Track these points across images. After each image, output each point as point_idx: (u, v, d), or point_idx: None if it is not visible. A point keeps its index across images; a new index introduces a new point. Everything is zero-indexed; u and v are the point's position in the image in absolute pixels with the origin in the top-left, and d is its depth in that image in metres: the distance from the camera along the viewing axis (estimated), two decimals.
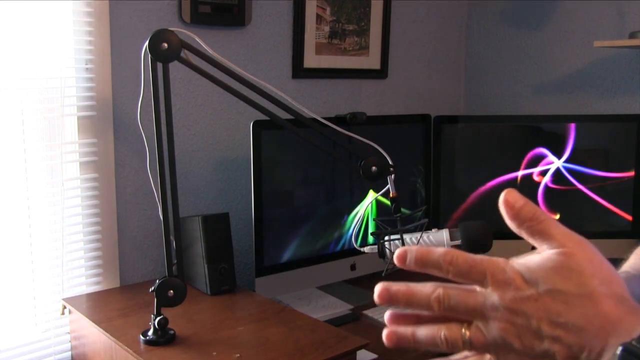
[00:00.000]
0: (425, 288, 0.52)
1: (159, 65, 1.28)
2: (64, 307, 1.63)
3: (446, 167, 2.08)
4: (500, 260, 0.51)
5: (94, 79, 1.64)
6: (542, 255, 0.51)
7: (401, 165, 2.01)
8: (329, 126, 1.41)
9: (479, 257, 0.52)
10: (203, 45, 1.31)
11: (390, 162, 1.38)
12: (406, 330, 0.54)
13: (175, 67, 1.30)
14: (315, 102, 2.13)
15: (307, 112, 1.39)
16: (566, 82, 2.31)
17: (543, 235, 0.52)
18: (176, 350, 1.34)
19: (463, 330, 0.51)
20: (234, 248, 1.74)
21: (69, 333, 1.65)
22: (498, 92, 2.51)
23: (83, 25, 1.61)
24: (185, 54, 1.30)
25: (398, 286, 0.52)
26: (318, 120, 1.41)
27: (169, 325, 1.39)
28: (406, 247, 0.53)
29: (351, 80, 2.24)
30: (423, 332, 0.53)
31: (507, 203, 0.54)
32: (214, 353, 1.32)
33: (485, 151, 2.06)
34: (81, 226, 1.68)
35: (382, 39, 2.28)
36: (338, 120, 1.71)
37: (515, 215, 0.54)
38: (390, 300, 0.52)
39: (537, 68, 2.39)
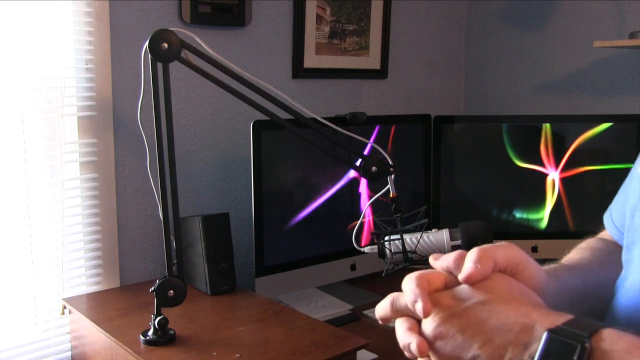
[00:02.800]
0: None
1: (159, 65, 1.28)
2: (64, 307, 1.63)
3: (446, 167, 2.08)
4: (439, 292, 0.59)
5: (94, 79, 1.64)
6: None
7: (401, 165, 2.01)
8: (329, 126, 1.41)
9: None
10: (203, 45, 1.31)
11: (390, 162, 1.38)
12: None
13: (175, 67, 1.30)
14: (315, 102, 2.13)
15: (307, 112, 1.39)
16: (566, 82, 2.31)
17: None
18: (176, 350, 1.34)
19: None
20: (234, 248, 1.74)
21: (69, 333, 1.65)
22: (498, 92, 2.51)
23: (83, 25, 1.61)
24: (185, 54, 1.30)
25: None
26: (318, 120, 1.41)
27: (169, 325, 1.39)
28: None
29: (351, 80, 2.24)
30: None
31: (434, 259, 0.64)
32: (214, 353, 1.32)
33: (485, 151, 2.06)
34: (81, 226, 1.68)
35: (382, 39, 2.28)
36: (338, 120, 1.71)
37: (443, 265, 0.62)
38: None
39: (537, 68, 2.39)
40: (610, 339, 0.48)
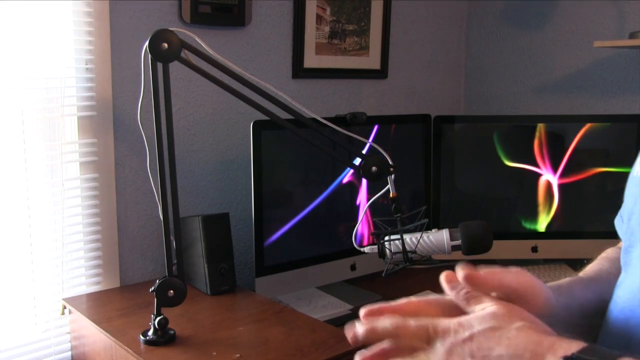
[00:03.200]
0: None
1: (159, 65, 1.28)
2: (64, 307, 1.63)
3: (446, 167, 2.08)
4: (443, 318, 0.58)
5: (94, 79, 1.65)
6: (477, 312, 0.58)
7: (401, 165, 2.01)
8: (329, 126, 1.41)
9: (425, 320, 0.58)
10: (203, 45, 1.31)
11: (390, 162, 1.38)
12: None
13: (175, 67, 1.30)
14: (315, 102, 2.13)
15: (307, 112, 1.39)
16: (566, 82, 2.31)
17: (474, 302, 0.60)
18: (176, 350, 1.34)
19: None
20: (234, 248, 1.74)
21: (69, 333, 1.65)
22: (498, 92, 2.51)
23: (83, 25, 1.61)
24: (185, 54, 1.30)
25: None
26: (318, 120, 1.41)
27: (169, 325, 1.39)
28: (355, 326, 0.62)
29: (351, 80, 2.24)
30: None
31: (447, 282, 0.62)
32: (214, 353, 1.32)
33: (485, 151, 2.06)
34: (81, 226, 1.68)
35: (382, 39, 2.28)
36: (338, 120, 1.71)
37: (455, 292, 0.62)
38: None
39: (537, 68, 2.39)
40: None
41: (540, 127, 2.06)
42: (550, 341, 0.52)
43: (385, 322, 0.60)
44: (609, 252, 0.85)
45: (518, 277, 0.63)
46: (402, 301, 0.63)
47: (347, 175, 1.91)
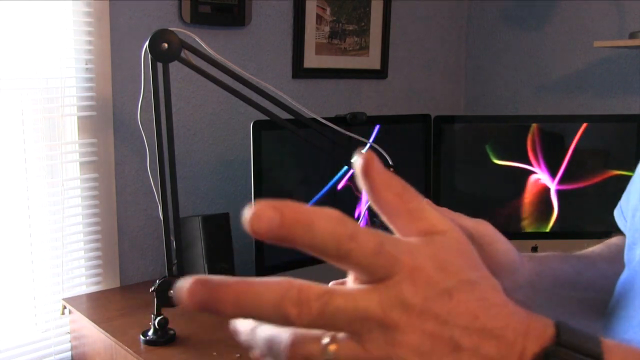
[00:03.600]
0: (273, 284, 0.33)
1: (159, 65, 1.28)
2: (64, 307, 1.63)
3: (446, 167, 2.08)
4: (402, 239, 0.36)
5: (94, 79, 1.65)
6: (425, 238, 0.36)
7: (401, 165, 2.01)
8: (329, 126, 1.41)
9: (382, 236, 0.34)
10: (203, 45, 1.31)
11: (390, 162, 1.38)
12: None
13: (175, 67, 1.30)
14: (315, 102, 2.13)
15: (307, 112, 1.39)
16: (566, 82, 2.31)
17: (415, 214, 0.37)
18: (176, 350, 1.34)
19: (324, 342, 0.33)
20: (234, 248, 1.74)
21: (69, 333, 1.65)
22: (498, 92, 2.51)
23: (83, 25, 1.61)
24: (185, 54, 1.30)
25: (223, 281, 0.32)
26: (318, 120, 1.41)
27: (169, 325, 1.39)
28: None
29: (351, 80, 2.24)
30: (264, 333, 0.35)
31: (367, 167, 0.36)
32: (214, 353, 1.32)
33: (485, 151, 2.06)
34: (81, 226, 1.68)
35: (382, 39, 2.27)
36: (338, 120, 1.71)
37: (379, 185, 0.37)
38: (205, 302, 0.32)
39: (537, 68, 2.39)
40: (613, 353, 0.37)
41: (540, 127, 2.06)
42: (526, 317, 0.36)
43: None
44: (611, 239, 0.85)
45: (477, 223, 0.52)
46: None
47: (343, 180, 1.91)
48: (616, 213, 0.80)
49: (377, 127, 1.95)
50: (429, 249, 0.35)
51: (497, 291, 0.36)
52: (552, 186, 2.03)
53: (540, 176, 2.03)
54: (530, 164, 2.03)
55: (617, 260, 0.74)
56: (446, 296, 0.33)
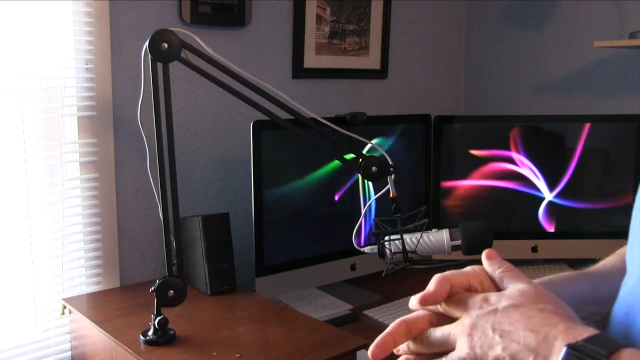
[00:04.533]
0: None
1: (159, 65, 1.28)
2: (64, 307, 1.63)
3: (446, 167, 2.08)
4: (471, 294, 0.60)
5: (94, 79, 1.65)
6: (507, 289, 0.60)
7: (401, 165, 2.01)
8: (329, 126, 1.41)
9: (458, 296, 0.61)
10: (203, 45, 1.31)
11: (391, 162, 1.38)
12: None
13: (175, 67, 1.30)
14: (315, 102, 2.13)
15: (307, 112, 1.39)
16: (566, 82, 2.31)
17: (508, 280, 0.61)
18: (176, 350, 1.34)
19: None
20: (234, 248, 1.74)
21: (69, 333, 1.65)
22: (498, 92, 2.51)
23: (83, 25, 1.61)
24: (185, 54, 1.30)
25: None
26: (318, 120, 1.41)
27: (169, 325, 1.39)
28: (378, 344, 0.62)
29: (351, 80, 2.24)
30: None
31: (488, 258, 0.64)
32: (214, 353, 1.32)
33: (484, 151, 2.06)
34: (81, 226, 1.68)
35: (382, 39, 2.28)
36: (338, 120, 1.71)
37: (492, 268, 0.63)
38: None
39: (537, 68, 2.39)
40: (629, 358, 0.48)
41: (541, 127, 2.07)
42: (566, 326, 0.53)
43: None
44: (622, 249, 0.85)
45: (468, 275, 0.65)
46: (396, 327, 0.63)
47: (348, 175, 1.91)
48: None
49: (377, 127, 1.94)
50: (489, 295, 0.59)
51: (541, 311, 0.55)
52: (553, 185, 2.03)
53: (540, 176, 2.03)
54: (529, 163, 2.03)
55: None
56: (492, 314, 0.56)
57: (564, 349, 0.50)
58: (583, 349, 0.49)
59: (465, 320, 0.58)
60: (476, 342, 0.56)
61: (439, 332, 0.60)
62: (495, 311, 0.56)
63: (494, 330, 0.55)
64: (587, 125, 2.03)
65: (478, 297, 0.59)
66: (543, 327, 0.53)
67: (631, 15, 2.10)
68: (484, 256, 0.64)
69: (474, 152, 2.07)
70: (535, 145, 2.04)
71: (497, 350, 0.54)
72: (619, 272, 0.76)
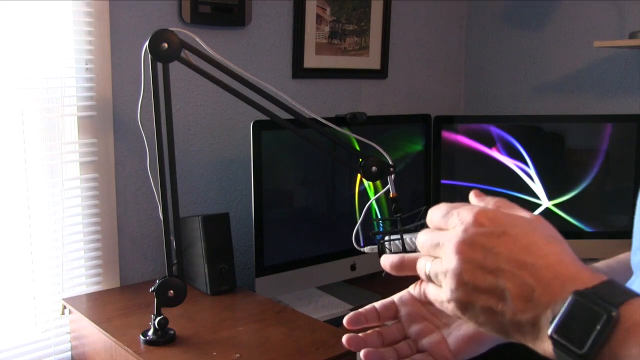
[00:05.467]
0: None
1: (159, 65, 1.28)
2: (64, 307, 1.63)
3: (446, 167, 2.08)
4: (472, 206, 0.51)
5: (94, 79, 1.65)
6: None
7: (401, 165, 2.01)
8: (329, 126, 1.41)
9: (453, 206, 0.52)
10: (203, 45, 1.31)
11: (391, 162, 1.38)
12: None
13: (175, 67, 1.30)
14: (315, 102, 2.13)
15: (307, 112, 1.39)
16: (566, 82, 2.31)
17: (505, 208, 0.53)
18: (176, 350, 1.34)
19: (427, 262, 0.52)
20: (234, 248, 1.74)
21: (69, 333, 1.65)
22: (498, 92, 2.51)
23: (83, 25, 1.61)
24: (185, 54, 1.30)
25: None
26: (318, 120, 1.41)
27: (169, 325, 1.39)
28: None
29: (351, 80, 2.24)
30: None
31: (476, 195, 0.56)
32: (214, 353, 1.32)
33: (484, 151, 2.06)
34: (81, 226, 1.68)
35: (382, 39, 2.27)
36: (338, 120, 1.71)
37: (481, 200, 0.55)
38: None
39: (537, 68, 2.39)
40: None
41: (541, 127, 2.07)
42: (576, 268, 0.46)
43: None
44: (621, 255, 0.84)
45: None
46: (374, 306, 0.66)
47: (348, 175, 1.91)
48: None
49: (377, 127, 1.94)
50: (496, 214, 0.49)
51: (555, 251, 0.47)
52: (552, 185, 2.03)
53: (540, 176, 2.03)
54: (529, 163, 2.03)
55: (628, 273, 0.74)
56: (494, 235, 0.47)
57: (570, 297, 0.44)
58: (592, 298, 0.43)
59: (459, 233, 0.48)
60: (475, 262, 0.47)
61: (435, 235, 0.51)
62: (499, 234, 0.47)
63: (497, 254, 0.46)
64: (587, 125, 2.03)
65: (488, 214, 0.49)
66: (554, 265, 0.46)
67: (631, 15, 2.10)
68: (472, 197, 0.55)
69: (473, 152, 2.07)
70: (535, 145, 2.04)
71: (499, 279, 0.46)
72: (617, 274, 0.75)
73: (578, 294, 0.44)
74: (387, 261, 0.59)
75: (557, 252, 0.47)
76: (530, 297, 0.45)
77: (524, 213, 0.51)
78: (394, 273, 0.59)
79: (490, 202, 0.53)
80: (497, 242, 0.47)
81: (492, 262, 0.46)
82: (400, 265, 0.58)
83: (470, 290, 0.47)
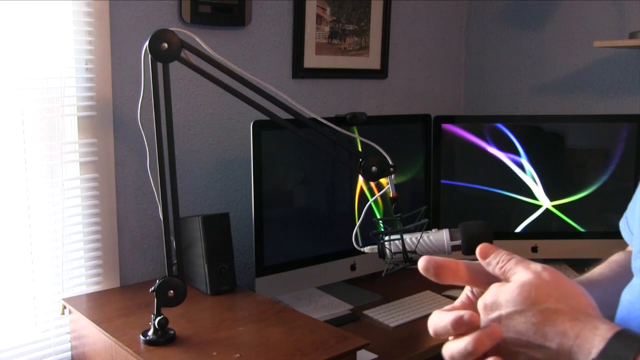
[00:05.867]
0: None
1: (159, 65, 1.28)
2: (64, 307, 1.63)
3: (446, 167, 2.08)
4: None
5: (94, 79, 1.65)
6: (506, 286, 0.56)
7: (401, 165, 2.01)
8: (329, 126, 1.41)
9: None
10: (203, 45, 1.31)
11: (391, 162, 1.38)
12: None
13: (175, 67, 1.30)
14: (315, 102, 2.13)
15: (307, 112, 1.39)
16: (566, 82, 2.31)
17: (510, 273, 0.57)
18: (176, 350, 1.34)
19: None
20: (234, 248, 1.74)
21: (69, 333, 1.65)
22: (498, 92, 2.51)
23: (83, 25, 1.61)
24: (185, 54, 1.30)
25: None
26: (318, 120, 1.41)
27: (169, 325, 1.39)
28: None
29: (351, 80, 2.24)
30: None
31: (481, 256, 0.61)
32: (214, 353, 1.32)
33: (484, 151, 2.06)
34: (81, 226, 1.68)
35: (382, 39, 2.27)
36: (338, 120, 1.71)
37: (487, 264, 0.60)
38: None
39: (537, 68, 2.39)
40: None
41: (541, 127, 2.07)
42: (575, 332, 0.51)
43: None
44: (619, 255, 0.85)
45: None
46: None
47: (348, 175, 1.90)
48: (621, 224, 0.79)
49: (377, 127, 1.94)
50: (493, 294, 0.56)
51: (543, 314, 0.52)
52: (552, 185, 2.03)
53: (540, 175, 2.03)
54: (529, 163, 2.03)
55: (622, 277, 0.74)
56: (497, 321, 0.54)
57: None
58: (610, 353, 0.48)
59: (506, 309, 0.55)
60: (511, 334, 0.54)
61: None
62: (499, 319, 0.54)
63: (531, 328, 0.53)
64: (587, 125, 2.03)
65: (480, 304, 0.56)
66: (554, 337, 0.51)
67: (631, 15, 2.10)
68: (479, 256, 0.61)
69: (473, 152, 2.07)
70: (535, 145, 2.04)
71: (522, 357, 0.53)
72: (608, 280, 0.75)
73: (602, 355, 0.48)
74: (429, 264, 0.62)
75: (552, 322, 0.52)
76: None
77: (521, 276, 0.55)
78: (432, 277, 0.61)
79: (495, 267, 0.58)
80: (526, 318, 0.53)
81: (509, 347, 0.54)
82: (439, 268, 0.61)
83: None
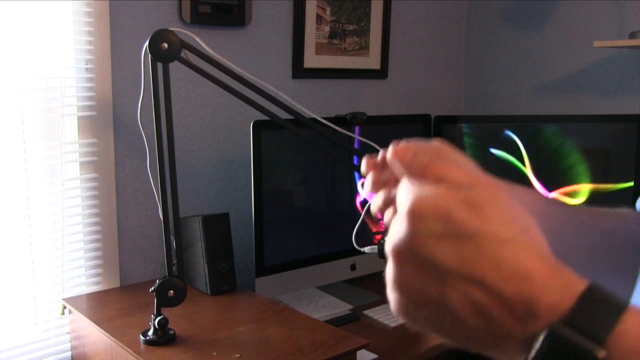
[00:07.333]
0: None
1: (159, 65, 1.28)
2: (64, 307, 1.63)
3: None
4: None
5: (94, 79, 1.64)
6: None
7: None
8: (329, 126, 1.41)
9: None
10: (203, 45, 1.31)
11: None
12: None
13: (175, 67, 1.30)
14: (315, 102, 2.13)
15: (307, 112, 1.39)
16: (566, 82, 2.31)
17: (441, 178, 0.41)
18: (176, 350, 1.34)
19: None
20: (234, 248, 1.74)
21: (69, 333, 1.65)
22: (498, 92, 2.51)
23: (83, 25, 1.61)
24: (185, 54, 1.30)
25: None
26: (318, 120, 1.41)
27: (169, 325, 1.39)
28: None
29: (351, 80, 2.24)
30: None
31: (397, 157, 0.44)
32: (214, 353, 1.32)
33: (485, 151, 2.06)
34: (81, 226, 1.67)
35: (382, 39, 2.27)
36: (338, 120, 1.71)
37: (409, 170, 0.43)
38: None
39: (537, 68, 2.39)
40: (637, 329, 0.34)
41: (541, 127, 2.06)
42: (541, 277, 0.36)
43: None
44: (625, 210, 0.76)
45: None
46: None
47: (348, 175, 1.90)
48: (638, 202, 0.75)
49: (377, 127, 1.95)
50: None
51: (508, 248, 0.36)
52: (552, 185, 2.03)
53: (540, 175, 2.03)
54: (529, 163, 2.03)
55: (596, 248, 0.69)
56: (442, 237, 0.38)
57: (543, 333, 0.35)
58: (569, 335, 0.34)
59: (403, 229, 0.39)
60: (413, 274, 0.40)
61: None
62: (464, 235, 0.37)
63: (448, 269, 0.37)
64: (587, 126, 2.03)
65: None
66: (512, 278, 0.36)
67: (631, 15, 2.10)
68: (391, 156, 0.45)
69: (473, 152, 2.07)
70: (535, 145, 2.04)
71: (450, 295, 0.37)
72: (633, 218, 0.67)
73: (552, 333, 0.34)
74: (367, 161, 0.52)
75: (515, 253, 0.36)
76: (487, 315, 0.37)
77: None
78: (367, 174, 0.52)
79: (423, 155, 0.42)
80: (447, 249, 0.38)
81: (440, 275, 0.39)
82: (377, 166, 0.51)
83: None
